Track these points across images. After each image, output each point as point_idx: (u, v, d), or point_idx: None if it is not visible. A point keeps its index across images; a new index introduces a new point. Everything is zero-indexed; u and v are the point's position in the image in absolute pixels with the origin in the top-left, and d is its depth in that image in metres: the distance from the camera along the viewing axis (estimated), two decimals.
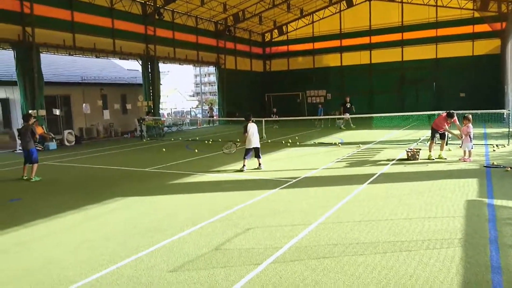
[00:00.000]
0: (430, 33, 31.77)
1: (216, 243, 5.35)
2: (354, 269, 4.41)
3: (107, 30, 22.56)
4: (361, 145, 15.26)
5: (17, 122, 20.19)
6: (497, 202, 6.84)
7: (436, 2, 30.98)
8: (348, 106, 23.54)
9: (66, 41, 20.34)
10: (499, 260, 4.51)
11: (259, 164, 11.04)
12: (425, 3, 31.34)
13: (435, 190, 7.85)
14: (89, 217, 6.97)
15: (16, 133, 18.72)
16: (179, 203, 7.75)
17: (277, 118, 25.14)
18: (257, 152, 11.06)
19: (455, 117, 11.53)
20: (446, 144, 12.26)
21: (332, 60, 36.18)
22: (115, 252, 5.15)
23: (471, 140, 10.82)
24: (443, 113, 11.67)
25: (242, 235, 5.64)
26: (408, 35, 32.70)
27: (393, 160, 11.62)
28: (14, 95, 20.37)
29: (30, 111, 16.33)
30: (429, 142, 11.97)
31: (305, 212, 6.66)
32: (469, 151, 10.87)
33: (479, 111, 15.05)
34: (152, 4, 24.75)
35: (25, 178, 10.77)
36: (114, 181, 10.31)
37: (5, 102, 21.77)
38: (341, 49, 35.50)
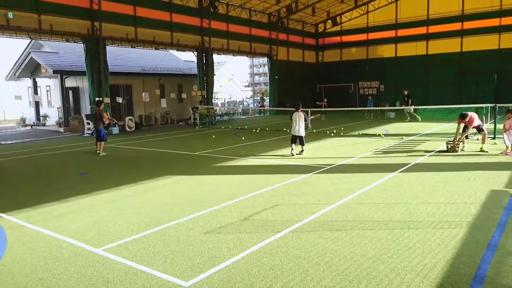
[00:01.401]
0: (493, 22, 30.16)
1: (245, 215, 6.19)
2: (360, 240, 5.04)
3: (166, 23, 24.08)
4: (404, 137, 15.37)
5: (86, 108, 22.35)
6: None
7: None
8: (405, 99, 23.23)
9: (129, 35, 22.08)
10: (499, 240, 4.92)
11: (301, 150, 11.83)
12: None
13: (463, 180, 8.12)
14: (144, 190, 8.12)
15: (84, 118, 20.86)
16: (221, 182, 8.69)
17: (324, 109, 25.29)
18: (300, 140, 11.83)
19: (466, 119, 11.47)
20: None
21: (386, 51, 35.52)
22: (162, 217, 6.16)
23: None
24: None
25: (269, 210, 6.43)
26: (468, 25, 31.26)
27: (432, 151, 11.79)
28: (84, 84, 22.51)
29: (99, 98, 18.06)
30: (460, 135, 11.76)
31: (331, 194, 7.31)
32: (510, 145, 10.79)
33: None
34: None
35: (97, 152, 13.05)
36: (167, 162, 11.51)
37: (76, 90, 24.10)
38: (396, 40, 34.72)
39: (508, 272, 4.10)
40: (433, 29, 32.74)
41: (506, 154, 10.77)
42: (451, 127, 18.45)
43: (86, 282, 4.10)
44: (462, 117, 11.51)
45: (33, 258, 4.75)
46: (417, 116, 22.62)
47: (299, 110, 11.92)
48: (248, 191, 7.61)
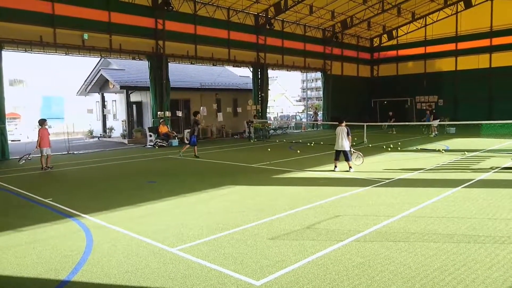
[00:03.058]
0: None
1: (307, 224, 6.40)
2: (424, 251, 5.08)
3: (223, 40, 25.10)
4: (466, 152, 14.84)
5: (148, 121, 23.68)
6: None
7: None
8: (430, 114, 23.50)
9: (189, 52, 23.25)
10: None
11: (349, 167, 11.41)
12: None
13: None
14: (208, 198, 8.59)
15: (147, 131, 22.10)
16: (280, 192, 8.97)
17: (393, 123, 24.83)
18: (344, 155, 11.40)
19: None
20: None
21: (445, 65, 34.38)
22: (228, 223, 6.54)
23: None
24: None
25: (331, 220, 6.60)
26: None
27: (497, 168, 11.33)
28: (147, 98, 23.92)
29: (195, 110, 19.26)
30: None
31: (391, 207, 7.33)
32: None
33: None
34: (264, 15, 26.74)
35: (195, 156, 15.59)
36: (227, 173, 12.00)
37: (139, 105, 25.64)
38: (456, 53, 33.56)
39: None
40: (497, 41, 31.32)
41: None
42: None
43: (166, 276, 4.52)
44: None
45: (117, 254, 5.27)
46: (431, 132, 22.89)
47: (343, 125, 11.61)
48: (308, 201, 7.82)
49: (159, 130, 21.33)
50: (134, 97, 24.96)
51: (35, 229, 6.51)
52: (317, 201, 7.87)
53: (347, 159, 11.42)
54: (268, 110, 29.38)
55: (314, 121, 35.75)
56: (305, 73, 48.71)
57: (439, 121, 24.16)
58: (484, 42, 31.95)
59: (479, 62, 32.30)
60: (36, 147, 13.30)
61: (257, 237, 5.81)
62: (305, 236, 5.82)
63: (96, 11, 19.40)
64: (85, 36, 18.86)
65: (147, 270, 4.69)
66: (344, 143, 11.41)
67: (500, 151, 15.25)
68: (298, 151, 16.76)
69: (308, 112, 46.10)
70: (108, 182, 11.10)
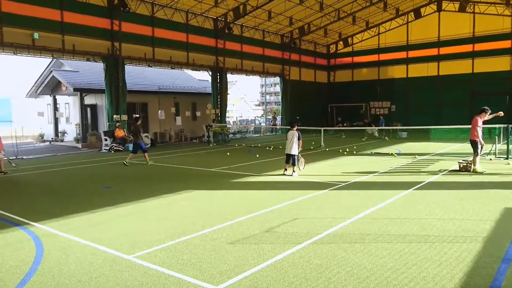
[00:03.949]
0: (504, 44, 30.51)
1: (266, 227, 6.44)
2: (379, 252, 5.26)
3: (182, 44, 24.85)
4: (417, 156, 15.55)
5: (104, 125, 22.94)
6: None
7: None
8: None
9: (147, 54, 22.82)
10: None
11: (293, 171, 11.52)
12: (499, 13, 30.20)
13: (477, 198, 8.29)
14: (165, 203, 8.44)
15: (102, 135, 21.40)
16: (239, 196, 8.97)
17: (342, 128, 25.71)
18: (292, 159, 11.53)
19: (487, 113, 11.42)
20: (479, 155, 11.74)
21: (397, 72, 35.95)
22: (186, 228, 6.45)
23: None
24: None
25: (289, 223, 6.68)
26: (479, 46, 31.63)
27: (445, 170, 11.95)
28: (102, 101, 23.18)
29: (137, 115, 18.69)
30: (472, 157, 11.79)
31: (347, 209, 7.54)
32: None
33: None
34: (223, 19, 26.75)
35: (147, 163, 14.68)
36: (185, 177, 11.84)
37: (94, 108, 24.79)
38: (407, 61, 35.18)
39: None
40: (444, 50, 33.18)
41: None
42: (463, 147, 18.53)
43: (122, 284, 4.38)
44: (481, 111, 11.46)
45: (69, 263, 5.05)
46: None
47: (294, 129, 11.71)
48: (267, 205, 7.87)
49: (115, 134, 20.72)
50: (89, 100, 24.11)
51: None
52: (276, 204, 7.94)
53: (293, 163, 11.61)
54: (227, 114, 29.34)
55: (273, 125, 36.11)
56: (264, 78, 49.13)
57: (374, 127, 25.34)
58: (433, 51, 33.73)
59: (428, 70, 34.05)
60: None
61: (216, 242, 5.77)
62: (264, 239, 5.85)
63: (48, 10, 18.58)
64: (36, 35, 18.02)
65: (102, 279, 4.53)
66: (294, 147, 11.54)
67: (448, 154, 16.10)
68: (257, 155, 16.86)
69: (267, 117, 46.49)
70: (61, 188, 10.62)
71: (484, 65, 31.50)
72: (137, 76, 26.91)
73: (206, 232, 6.25)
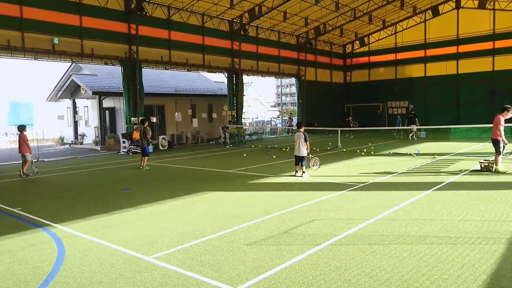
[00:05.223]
0: None
1: (284, 229, 6.42)
2: (399, 253, 5.18)
3: (198, 46, 25.02)
4: (437, 156, 15.27)
5: (122, 127, 23.26)
6: None
7: None
8: (411, 116, 23.65)
9: (163, 57, 23.05)
10: None
11: (302, 171, 11.54)
12: None
13: (499, 199, 8.09)
14: (183, 204, 8.49)
15: (120, 137, 21.70)
16: (256, 198, 8.97)
17: (351, 128, 25.46)
18: (301, 160, 11.55)
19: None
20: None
21: (415, 71, 35.42)
22: (204, 229, 6.47)
23: None
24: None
25: (307, 224, 6.64)
26: (500, 44, 30.92)
27: (466, 170, 11.71)
28: (120, 104, 23.52)
29: (142, 118, 18.83)
30: (494, 156, 11.51)
31: (366, 210, 7.45)
32: None
33: None
34: (238, 21, 26.84)
35: (141, 167, 14.21)
36: (203, 179, 11.91)
37: (112, 110, 25.16)
38: (425, 59, 34.64)
39: None
40: (464, 48, 32.55)
41: None
42: (484, 146, 18.15)
43: (141, 285, 4.42)
44: (504, 109, 11.17)
45: (90, 264, 5.13)
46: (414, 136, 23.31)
47: (301, 130, 11.73)
48: (284, 206, 7.85)
49: (133, 137, 20.97)
50: (107, 103, 24.49)
51: (2, 240, 6.27)
52: (293, 205, 7.91)
53: (302, 164, 11.61)
54: (243, 116, 29.43)
55: (289, 126, 36.01)
56: (279, 79, 49.10)
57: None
58: (451, 49, 33.12)
59: (447, 68, 33.44)
60: (20, 153, 13.26)
61: (234, 243, 5.78)
62: (282, 241, 5.83)
63: (67, 15, 18.97)
64: (56, 40, 18.40)
65: (121, 280, 4.58)
66: (302, 149, 11.53)
67: (468, 154, 15.77)
68: (274, 156, 16.83)
69: (283, 117, 46.42)
70: (81, 190, 10.81)
71: (504, 63, 30.76)
72: (154, 79, 27.22)
73: (224, 233, 6.26)
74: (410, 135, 23.60)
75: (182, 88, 27.54)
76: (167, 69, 24.97)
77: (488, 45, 31.42)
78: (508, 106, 11.31)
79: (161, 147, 22.55)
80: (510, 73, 30.32)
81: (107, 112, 25.00)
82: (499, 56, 31.08)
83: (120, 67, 21.52)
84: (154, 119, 23.80)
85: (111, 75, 25.09)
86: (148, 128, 14.73)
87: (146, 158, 14.44)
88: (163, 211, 7.91)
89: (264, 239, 5.92)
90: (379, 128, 27.05)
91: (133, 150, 20.24)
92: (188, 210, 7.97)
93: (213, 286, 4.35)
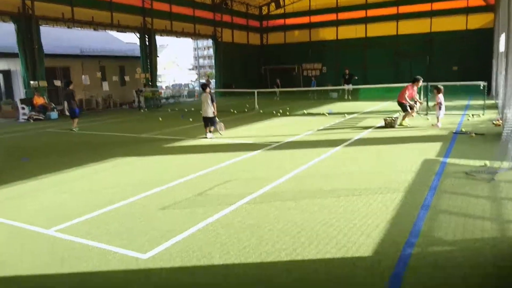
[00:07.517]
0: (425, 7, 31.99)
1: (199, 191, 6.30)
2: (310, 208, 5.36)
3: (104, 3, 22.97)
4: (346, 115, 16.11)
5: (20, 92, 20.96)
6: (450, 160, 7.76)
7: None
8: (346, 77, 24.94)
9: (64, 14, 20.84)
10: (431, 201, 5.46)
11: (210, 131, 11.71)
12: None
13: (399, 151, 8.78)
14: (91, 172, 7.92)
15: (18, 103, 19.57)
16: (171, 161, 8.69)
17: (277, 89, 25.92)
18: (210, 121, 11.69)
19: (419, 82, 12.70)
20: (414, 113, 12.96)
21: (328, 34, 36.50)
22: (113, 197, 6.10)
23: (440, 109, 11.69)
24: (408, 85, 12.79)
25: (222, 185, 6.59)
26: (403, 9, 32.92)
27: (371, 127, 12.52)
28: (16, 67, 21.04)
29: (66, 80, 17.06)
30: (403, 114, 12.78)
31: (280, 168, 7.60)
32: (438, 118, 11.79)
33: (458, 83, 15.83)
34: None
35: (72, 129, 14.17)
36: (113, 145, 11.21)
37: (7, 74, 22.47)
38: (337, 23, 35.77)
39: (439, 227, 4.61)
40: (371, 12, 34.09)
41: (436, 127, 11.71)
42: (389, 105, 19.52)
43: (42, 260, 4.04)
44: (415, 80, 12.71)
45: None
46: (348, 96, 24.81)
47: (207, 91, 11.76)
48: (200, 169, 7.70)
49: (34, 102, 19.05)
50: (1, 65, 21.75)
51: None
52: (208, 167, 7.79)
53: (212, 124, 11.75)
54: (159, 79, 28.20)
55: None
56: (196, 40, 47.64)
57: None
58: (360, 13, 34.55)
59: (357, 32, 34.97)
60: None
61: (146, 209, 5.53)
62: (196, 203, 5.72)
63: None
64: None
65: (21, 257, 4.14)
66: (208, 110, 11.57)
67: (375, 112, 16.87)
68: (191, 119, 16.45)
69: (201, 80, 45.52)
70: None
71: (406, 27, 32.97)
72: (57, 38, 24.63)
73: (134, 199, 5.96)
74: (347, 95, 25.11)
75: (89, 49, 25.39)
76: (70, 28, 22.72)
77: (393, 10, 33.30)
78: (419, 77, 12.79)
79: (67, 113, 20.77)
80: (411, 37, 32.64)
81: (1, 75, 22.26)
82: (402, 21, 33.16)
83: (13, 24, 19.06)
84: (58, 83, 21.80)
85: (5, 33, 22.16)
86: (73, 89, 14.69)
87: (76, 119, 14.39)
88: (66, 181, 7.29)
89: (177, 203, 5.75)
90: (300, 89, 27.70)
91: (34, 116, 18.41)
92: (95, 179, 7.45)
93: (121, 255, 4.12)
